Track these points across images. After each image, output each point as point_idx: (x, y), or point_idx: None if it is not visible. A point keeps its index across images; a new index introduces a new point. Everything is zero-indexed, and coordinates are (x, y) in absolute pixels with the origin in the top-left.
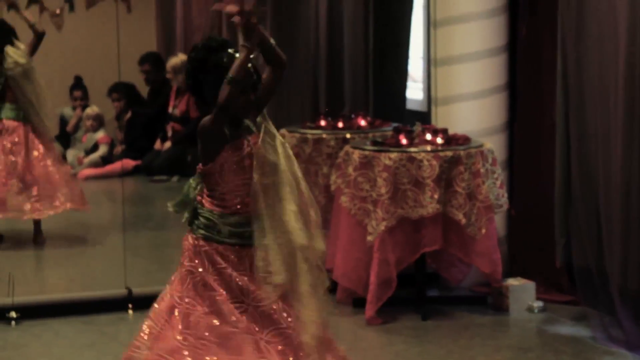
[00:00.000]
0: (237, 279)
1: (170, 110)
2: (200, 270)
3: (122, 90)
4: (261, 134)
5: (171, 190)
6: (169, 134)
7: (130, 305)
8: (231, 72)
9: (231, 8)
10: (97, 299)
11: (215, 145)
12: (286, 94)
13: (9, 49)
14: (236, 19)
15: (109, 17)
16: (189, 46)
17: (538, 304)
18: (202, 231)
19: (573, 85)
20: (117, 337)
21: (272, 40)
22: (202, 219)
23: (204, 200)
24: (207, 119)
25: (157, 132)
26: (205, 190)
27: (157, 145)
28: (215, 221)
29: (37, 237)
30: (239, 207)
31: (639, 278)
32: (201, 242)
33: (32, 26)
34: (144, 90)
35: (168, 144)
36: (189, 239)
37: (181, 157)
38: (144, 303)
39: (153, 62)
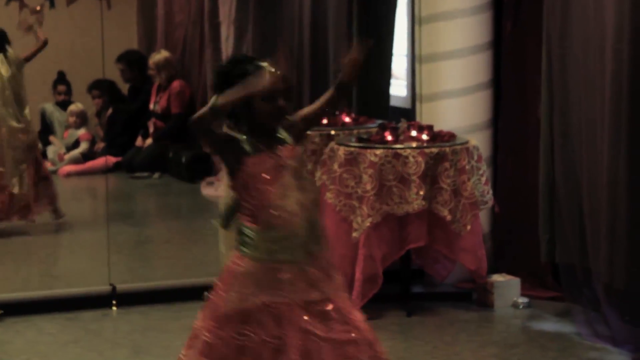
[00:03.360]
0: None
1: (151, 106)
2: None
3: (102, 87)
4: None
5: (152, 187)
6: (151, 130)
7: (114, 302)
8: (221, 98)
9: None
10: (80, 296)
11: (233, 158)
12: None
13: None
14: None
15: (90, 13)
16: (170, 43)
17: (523, 300)
18: (246, 249)
19: (558, 82)
20: (101, 333)
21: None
22: (244, 237)
23: (243, 216)
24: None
25: (138, 129)
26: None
27: (139, 142)
28: (254, 238)
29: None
30: (276, 221)
31: (624, 276)
32: (245, 262)
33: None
34: (124, 86)
35: (149, 141)
36: (234, 260)
37: (162, 153)
38: (127, 299)
39: (132, 60)
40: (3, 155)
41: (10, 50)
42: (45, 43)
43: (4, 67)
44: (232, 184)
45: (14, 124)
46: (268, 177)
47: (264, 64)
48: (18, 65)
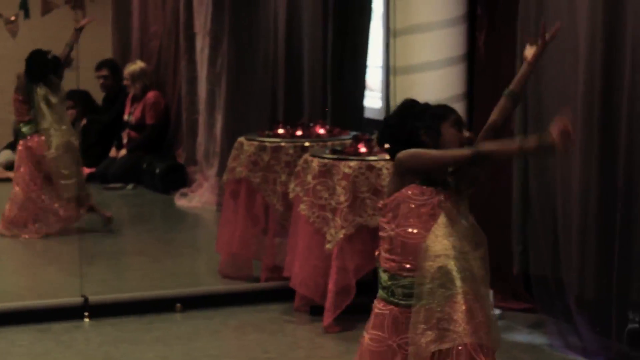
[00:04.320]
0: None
1: (126, 117)
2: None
3: (76, 98)
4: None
5: (125, 197)
6: (125, 141)
7: (86, 314)
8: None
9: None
10: (52, 307)
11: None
12: (245, 102)
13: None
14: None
15: (65, 24)
16: (145, 54)
17: (495, 311)
18: (380, 292)
19: (531, 94)
20: (73, 345)
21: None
22: (380, 279)
23: (379, 257)
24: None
25: (112, 140)
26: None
27: (112, 152)
28: (388, 283)
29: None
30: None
31: (595, 288)
32: (380, 305)
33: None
34: (98, 97)
35: (123, 152)
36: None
37: (136, 164)
38: (100, 311)
39: (110, 69)
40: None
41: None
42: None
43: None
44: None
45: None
46: (420, 209)
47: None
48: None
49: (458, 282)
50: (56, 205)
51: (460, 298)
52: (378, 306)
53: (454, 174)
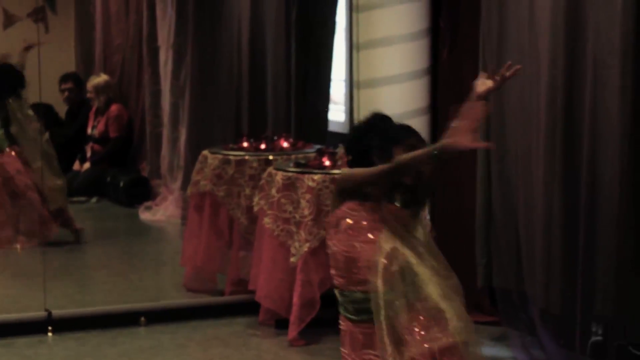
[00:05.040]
0: None
1: (89, 130)
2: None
3: (39, 111)
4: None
5: (90, 211)
6: (88, 154)
7: (49, 328)
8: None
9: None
10: (15, 322)
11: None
12: (208, 116)
13: None
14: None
15: (27, 37)
16: (108, 67)
17: None
18: (340, 308)
19: (494, 108)
20: None
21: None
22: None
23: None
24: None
25: (76, 153)
26: None
27: (76, 166)
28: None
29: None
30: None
31: (559, 301)
32: (342, 321)
33: None
34: (61, 110)
35: (87, 165)
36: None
37: (100, 178)
38: (63, 325)
39: (74, 82)
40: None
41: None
42: None
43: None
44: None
45: None
46: (365, 224)
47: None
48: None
49: (407, 294)
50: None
51: (415, 307)
52: (341, 323)
53: (398, 189)
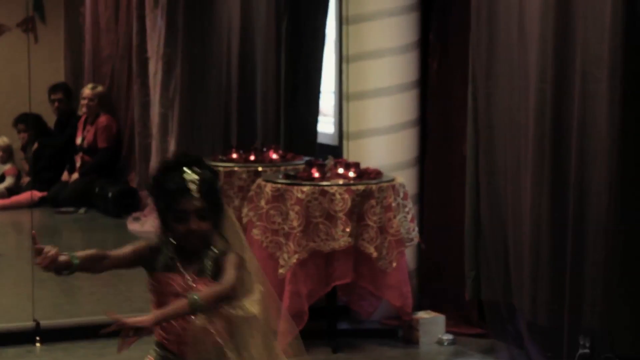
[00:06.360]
0: None
1: (78, 141)
2: None
3: (28, 121)
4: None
5: (78, 222)
6: (77, 165)
7: (38, 338)
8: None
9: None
10: (3, 332)
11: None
12: (198, 127)
13: None
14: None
15: (16, 47)
16: (97, 77)
17: (448, 336)
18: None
19: (483, 120)
20: None
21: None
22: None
23: None
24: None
25: (64, 164)
26: None
27: (64, 176)
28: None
29: None
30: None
31: (546, 313)
32: None
33: None
34: (50, 120)
35: (75, 176)
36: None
37: (88, 188)
38: (51, 336)
39: (64, 92)
40: None
41: None
42: None
43: None
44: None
45: None
46: (171, 298)
47: (189, 176)
48: None
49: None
50: None
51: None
52: None
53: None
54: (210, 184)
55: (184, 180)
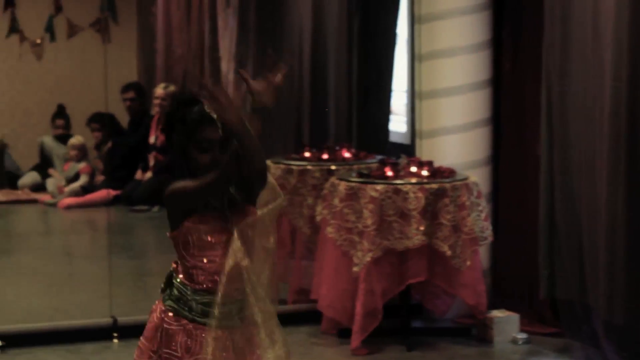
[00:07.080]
0: None
1: (151, 140)
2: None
3: (101, 121)
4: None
5: (152, 220)
6: (151, 163)
7: (115, 334)
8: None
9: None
10: (82, 328)
11: (180, 211)
12: (270, 126)
13: None
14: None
15: (90, 47)
16: (170, 76)
17: (522, 335)
18: (171, 303)
19: (557, 119)
20: None
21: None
22: (175, 290)
23: (178, 268)
24: (181, 184)
25: (138, 162)
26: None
27: (138, 175)
28: (188, 297)
29: None
30: (210, 285)
31: (623, 313)
32: (169, 317)
33: None
34: (123, 119)
35: (149, 174)
36: (157, 310)
37: (162, 187)
38: (129, 332)
39: (136, 91)
40: None
41: None
42: None
43: None
44: (170, 236)
45: None
46: (211, 239)
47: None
48: None
49: (253, 308)
50: None
51: (257, 321)
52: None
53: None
54: None
55: (207, 111)
